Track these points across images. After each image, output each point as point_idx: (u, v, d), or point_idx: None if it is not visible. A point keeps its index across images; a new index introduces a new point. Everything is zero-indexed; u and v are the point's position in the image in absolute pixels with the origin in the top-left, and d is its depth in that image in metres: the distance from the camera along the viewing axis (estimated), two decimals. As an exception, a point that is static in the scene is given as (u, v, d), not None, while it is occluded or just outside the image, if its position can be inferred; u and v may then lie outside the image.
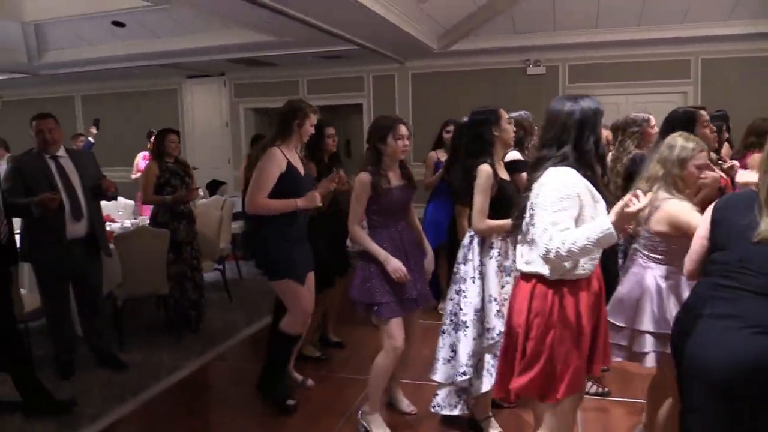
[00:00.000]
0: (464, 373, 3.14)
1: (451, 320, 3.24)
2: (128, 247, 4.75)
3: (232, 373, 4.51)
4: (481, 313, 3.14)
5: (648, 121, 4.32)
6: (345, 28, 7.40)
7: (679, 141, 2.76)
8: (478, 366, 3.18)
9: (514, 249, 2.83)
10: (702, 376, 2.00)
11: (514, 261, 2.80)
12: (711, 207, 2.23)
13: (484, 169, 3.10)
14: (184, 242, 5.12)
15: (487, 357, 3.15)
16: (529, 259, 2.33)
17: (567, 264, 2.20)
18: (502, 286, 3.15)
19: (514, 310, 2.37)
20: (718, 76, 9.37)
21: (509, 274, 3.15)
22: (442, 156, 5.41)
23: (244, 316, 5.67)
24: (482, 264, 3.16)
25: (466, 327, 3.15)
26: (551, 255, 2.11)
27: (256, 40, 8.43)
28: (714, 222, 2.16)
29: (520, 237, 2.44)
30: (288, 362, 3.92)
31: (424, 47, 9.05)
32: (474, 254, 3.17)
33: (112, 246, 4.68)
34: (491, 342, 3.09)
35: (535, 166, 2.34)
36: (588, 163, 2.27)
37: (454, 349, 3.22)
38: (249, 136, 9.84)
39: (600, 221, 2.07)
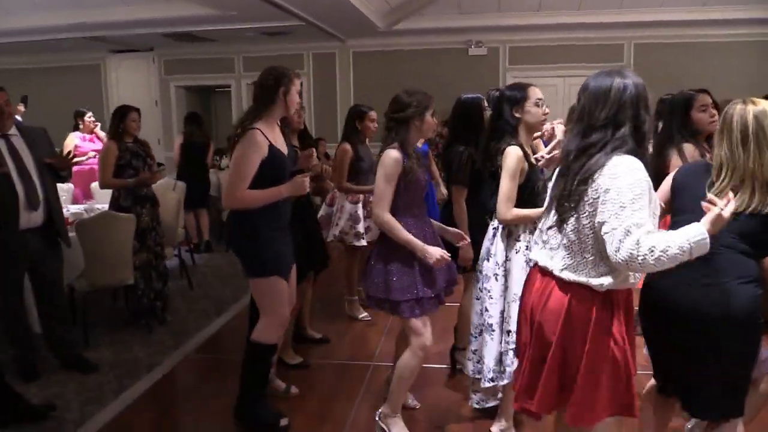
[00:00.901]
0: (492, 380, 2.94)
1: (479, 322, 3.04)
2: (91, 235, 4.33)
3: (215, 365, 4.23)
4: (504, 316, 2.90)
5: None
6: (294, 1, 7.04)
7: None
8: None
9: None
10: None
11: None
12: (671, 175, 2.48)
13: (514, 151, 2.80)
14: (148, 228, 4.74)
15: (508, 361, 2.90)
16: (570, 263, 2.01)
17: (639, 273, 1.95)
18: None
19: (545, 320, 2.04)
20: (649, 60, 9.75)
21: None
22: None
23: (211, 304, 5.36)
24: (507, 259, 2.88)
25: (492, 330, 2.92)
26: (637, 262, 1.79)
27: (192, 13, 7.94)
28: (676, 189, 2.39)
29: (551, 234, 2.10)
30: (267, 377, 3.37)
31: (369, 25, 8.86)
32: (498, 248, 2.90)
33: (72, 234, 4.25)
34: (512, 347, 2.80)
35: (584, 152, 1.98)
36: (645, 147, 2.01)
37: (480, 354, 3.03)
38: (180, 116, 9.35)
39: (694, 227, 1.83)
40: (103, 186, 4.74)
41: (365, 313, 4.91)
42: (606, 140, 1.95)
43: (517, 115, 2.90)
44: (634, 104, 1.96)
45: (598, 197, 1.90)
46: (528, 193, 2.83)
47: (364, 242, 4.66)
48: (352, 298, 4.99)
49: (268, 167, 2.99)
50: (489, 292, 2.92)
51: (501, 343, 2.91)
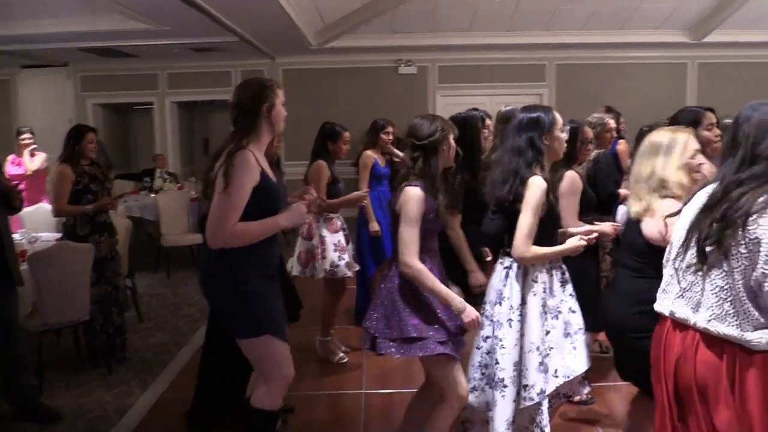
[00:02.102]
0: None
1: (482, 374, 2.67)
2: (46, 268, 3.92)
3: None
4: (521, 367, 2.55)
5: (605, 124, 4.53)
6: (230, 14, 6.77)
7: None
8: None
9: (561, 285, 2.63)
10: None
11: (563, 300, 2.61)
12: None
13: (539, 182, 2.52)
14: (106, 258, 4.37)
15: (519, 419, 2.59)
16: (723, 313, 1.72)
17: None
18: (547, 332, 2.57)
19: (704, 386, 1.75)
20: (570, 80, 10.24)
21: (556, 317, 2.60)
22: (380, 157, 5.12)
23: (170, 338, 5.00)
24: (523, 303, 2.56)
25: (504, 386, 2.52)
26: None
27: (121, 27, 7.51)
28: None
29: (689, 278, 1.82)
30: None
31: (301, 42, 8.76)
32: (513, 291, 2.56)
33: (23, 267, 3.84)
34: (529, 404, 2.52)
35: (739, 186, 1.73)
36: None
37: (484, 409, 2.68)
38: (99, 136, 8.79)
39: None
40: (57, 214, 4.33)
41: (341, 354, 4.42)
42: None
43: (547, 142, 2.61)
44: None
45: (759, 246, 1.64)
46: (549, 230, 2.62)
47: (350, 273, 4.36)
48: (325, 338, 4.46)
49: (260, 198, 2.47)
50: (501, 341, 2.55)
51: (515, 400, 2.55)
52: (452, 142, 2.65)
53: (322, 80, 10.08)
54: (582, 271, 3.10)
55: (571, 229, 2.82)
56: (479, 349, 2.68)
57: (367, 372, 4.26)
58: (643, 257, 2.38)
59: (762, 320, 1.67)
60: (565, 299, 2.64)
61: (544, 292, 2.57)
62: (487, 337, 2.63)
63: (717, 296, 1.73)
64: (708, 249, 1.73)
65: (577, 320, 2.63)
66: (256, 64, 9.95)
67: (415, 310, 2.52)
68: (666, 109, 4.51)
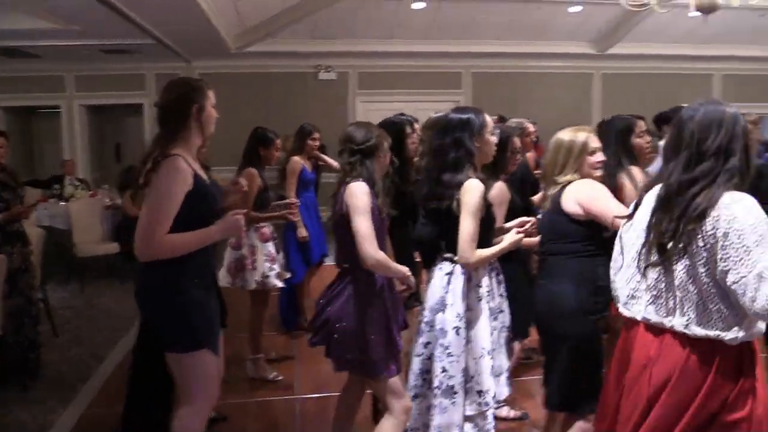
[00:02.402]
0: None
1: (423, 380, 2.64)
2: (-47, 281, 3.67)
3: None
4: (474, 374, 2.55)
5: (524, 129, 4.71)
6: (144, 14, 6.52)
7: None
8: None
9: (499, 285, 2.69)
10: None
11: (499, 300, 2.68)
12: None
13: (475, 185, 2.52)
14: (20, 270, 4.12)
15: (468, 427, 2.57)
16: (693, 317, 1.72)
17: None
18: (490, 333, 2.59)
19: (679, 390, 1.72)
20: (485, 87, 10.58)
21: (496, 318, 2.65)
22: (307, 163, 5.09)
23: (88, 352, 4.77)
24: (469, 309, 2.55)
25: (455, 393, 2.50)
26: None
27: (27, 27, 7.11)
28: None
29: (655, 283, 1.81)
30: None
31: (220, 46, 8.60)
32: (456, 297, 2.53)
33: (-73, 281, 3.57)
34: (485, 409, 2.54)
35: (691, 185, 1.74)
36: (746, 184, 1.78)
37: (426, 416, 2.62)
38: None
39: None
40: (-36, 223, 4.04)
41: (276, 372, 4.24)
42: (717, 171, 1.74)
43: (477, 144, 2.61)
44: (744, 136, 1.78)
45: (717, 242, 1.66)
46: (487, 232, 2.62)
47: (280, 283, 4.24)
48: (257, 356, 4.24)
49: (194, 203, 2.33)
50: (447, 348, 2.51)
51: (466, 405, 2.54)
52: (387, 149, 2.68)
53: (241, 85, 9.90)
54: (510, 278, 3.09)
55: (505, 225, 2.86)
56: (420, 356, 2.64)
57: (299, 377, 4.24)
58: (571, 237, 2.48)
59: (732, 317, 1.69)
60: (500, 298, 2.72)
61: (488, 294, 2.59)
62: (427, 344, 2.60)
63: (688, 299, 1.73)
64: (669, 250, 1.75)
65: (506, 319, 2.72)
66: (171, 67, 9.61)
67: (377, 329, 2.48)
68: (575, 117, 4.76)
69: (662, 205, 1.79)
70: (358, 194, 2.47)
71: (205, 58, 9.57)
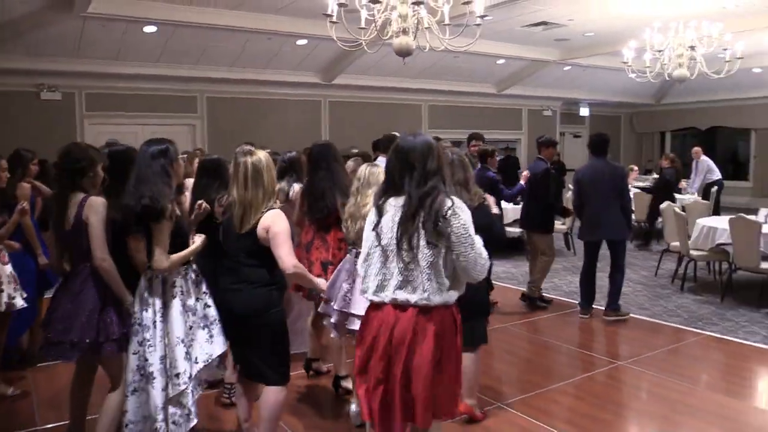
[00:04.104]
0: (156, 430, 2.87)
1: (141, 375, 2.90)
2: None
3: None
4: (168, 359, 2.90)
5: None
6: None
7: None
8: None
9: (195, 285, 3.07)
10: None
11: (198, 298, 3.01)
12: None
13: (168, 207, 2.91)
14: None
15: (172, 410, 2.89)
16: (430, 290, 2.34)
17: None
18: (190, 327, 2.96)
19: (418, 343, 2.33)
20: (220, 112, 10.90)
21: (194, 312, 3.00)
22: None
23: None
24: (165, 306, 2.93)
25: (154, 378, 2.85)
26: (485, 274, 2.41)
27: None
28: None
29: (399, 270, 2.37)
30: None
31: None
32: (155, 297, 2.92)
33: None
34: (181, 389, 2.88)
35: (426, 197, 2.35)
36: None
37: (146, 408, 2.90)
38: None
39: None
40: None
41: (12, 387, 4.12)
42: (439, 186, 2.37)
43: (174, 169, 3.03)
44: (443, 156, 2.48)
45: (450, 235, 2.29)
46: (179, 240, 2.99)
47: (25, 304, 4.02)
48: None
49: None
50: (149, 341, 2.88)
51: (164, 389, 2.87)
52: (100, 170, 3.07)
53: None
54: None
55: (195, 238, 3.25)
56: (135, 354, 2.91)
57: (38, 400, 4.06)
58: (255, 254, 2.94)
59: (453, 284, 2.39)
60: (201, 297, 3.04)
61: (182, 294, 2.97)
62: (141, 342, 2.91)
63: (429, 277, 2.34)
64: (419, 245, 2.33)
65: (213, 312, 3.04)
66: None
67: (117, 312, 2.92)
68: (306, 141, 5.29)
69: (408, 215, 2.36)
70: (95, 206, 2.91)
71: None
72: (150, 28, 8.46)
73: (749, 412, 3.89)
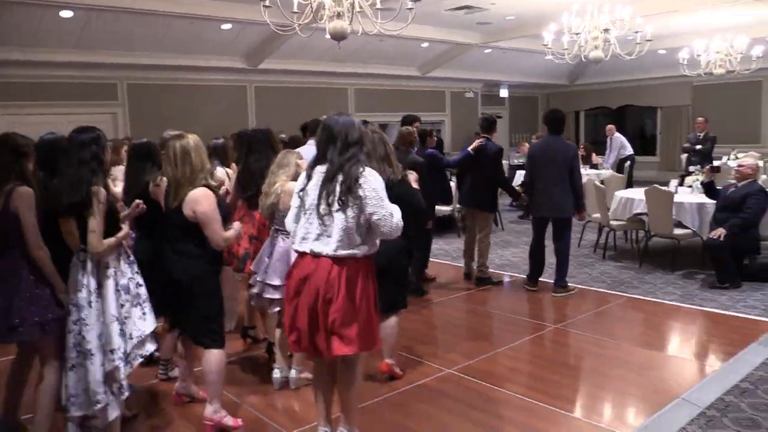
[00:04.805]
0: (98, 402, 2.99)
1: (78, 352, 3.02)
2: None
3: None
4: (105, 337, 3.02)
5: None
6: None
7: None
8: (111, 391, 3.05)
9: (128, 265, 3.19)
10: None
11: (131, 278, 3.13)
12: None
13: (101, 191, 3.00)
14: None
15: (122, 369, 3.06)
16: (340, 244, 2.75)
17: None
18: (122, 305, 3.08)
19: (330, 286, 2.75)
20: (143, 99, 10.60)
21: (128, 291, 3.11)
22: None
23: None
24: (100, 286, 3.03)
25: (92, 355, 2.98)
26: (397, 231, 2.80)
27: None
28: None
29: (320, 227, 2.78)
30: None
31: None
32: (89, 278, 3.01)
33: None
34: (115, 364, 3.01)
35: (345, 164, 2.76)
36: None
37: (85, 382, 3.02)
38: None
39: None
40: None
41: None
42: (358, 154, 2.79)
43: (106, 156, 3.16)
44: (365, 132, 2.88)
45: (364, 197, 2.71)
46: (112, 225, 3.06)
47: None
48: None
49: None
50: (85, 320, 2.99)
51: (103, 364, 2.99)
52: (29, 160, 3.08)
53: None
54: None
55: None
56: (71, 332, 3.03)
57: None
58: (186, 229, 3.18)
59: (364, 240, 2.79)
60: (133, 276, 3.16)
61: (116, 274, 3.08)
62: (76, 321, 3.01)
63: (342, 233, 2.74)
64: (337, 204, 2.72)
65: (144, 292, 3.18)
66: None
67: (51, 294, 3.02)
68: (233, 127, 5.28)
69: (328, 177, 2.77)
70: (25, 195, 2.95)
71: None
72: (66, 13, 8.16)
73: (668, 361, 4.31)
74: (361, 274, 2.81)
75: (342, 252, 2.76)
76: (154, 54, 9.97)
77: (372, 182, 2.75)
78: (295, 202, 2.95)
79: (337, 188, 2.73)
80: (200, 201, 3.12)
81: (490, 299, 5.84)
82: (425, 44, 11.96)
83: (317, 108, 10.87)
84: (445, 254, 7.74)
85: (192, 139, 3.25)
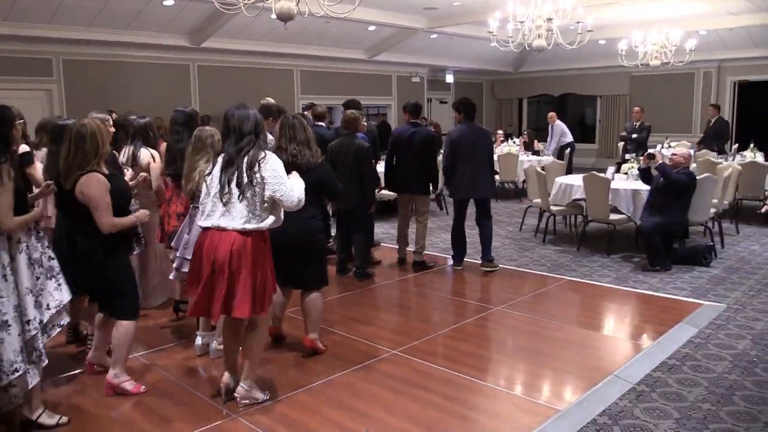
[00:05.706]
0: (16, 370, 3.04)
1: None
2: None
3: None
4: (21, 309, 3.09)
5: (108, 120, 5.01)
6: None
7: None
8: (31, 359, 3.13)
9: (38, 240, 3.22)
10: None
11: (42, 252, 3.20)
12: None
13: (4, 168, 3.02)
14: None
15: (40, 338, 3.16)
16: (246, 219, 3.16)
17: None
18: (37, 278, 3.16)
19: (231, 257, 3.13)
20: (79, 75, 10.20)
21: (41, 265, 3.20)
22: None
23: None
24: (12, 260, 3.09)
25: (9, 326, 3.04)
26: (300, 203, 3.23)
27: None
28: None
29: (226, 205, 3.19)
30: None
31: None
32: (2, 253, 3.05)
33: None
34: (32, 334, 3.11)
35: (242, 150, 3.21)
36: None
37: (4, 352, 3.04)
38: None
39: None
40: None
41: None
42: (254, 142, 3.23)
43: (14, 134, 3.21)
44: (261, 122, 3.35)
45: (265, 177, 3.15)
46: (22, 203, 3.11)
47: None
48: None
49: None
50: (1, 293, 3.02)
51: (20, 334, 3.05)
52: None
53: None
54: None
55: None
56: None
57: None
58: (81, 210, 3.34)
59: (266, 215, 3.22)
60: (45, 251, 3.24)
61: (28, 249, 3.15)
62: None
63: (246, 210, 3.17)
64: (239, 185, 3.15)
65: (56, 264, 3.28)
66: None
67: None
68: (173, 105, 5.14)
69: (227, 163, 3.24)
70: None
71: None
72: (-5, -18, 7.76)
73: (604, 340, 4.51)
74: (260, 245, 3.21)
75: (247, 226, 3.16)
76: (92, 29, 9.60)
77: (271, 163, 3.18)
78: (204, 186, 3.36)
79: (243, 173, 3.16)
80: (89, 185, 3.28)
81: (434, 282, 5.94)
82: (372, 27, 11.92)
83: (263, 89, 10.73)
84: (391, 238, 7.81)
85: (91, 124, 3.35)
